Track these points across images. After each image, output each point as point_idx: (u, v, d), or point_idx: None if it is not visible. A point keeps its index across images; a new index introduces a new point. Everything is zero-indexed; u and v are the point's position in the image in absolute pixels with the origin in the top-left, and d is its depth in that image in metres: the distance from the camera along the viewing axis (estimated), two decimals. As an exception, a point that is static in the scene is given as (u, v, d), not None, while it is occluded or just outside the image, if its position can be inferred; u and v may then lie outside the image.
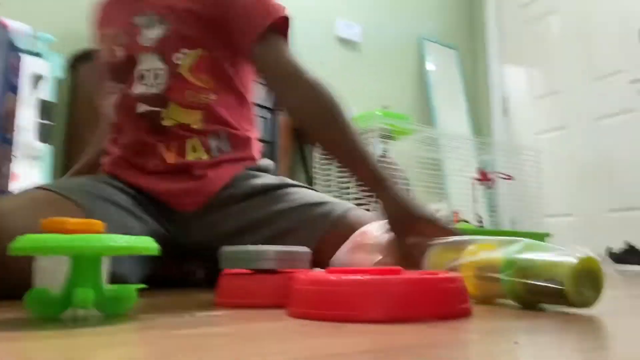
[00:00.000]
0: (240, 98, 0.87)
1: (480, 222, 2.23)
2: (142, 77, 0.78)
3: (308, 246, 0.74)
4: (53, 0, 1.91)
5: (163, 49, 0.78)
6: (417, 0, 3.13)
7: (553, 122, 2.77)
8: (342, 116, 0.76)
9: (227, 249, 0.51)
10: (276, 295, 0.47)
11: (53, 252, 0.35)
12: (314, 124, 0.78)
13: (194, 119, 0.79)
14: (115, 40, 0.82)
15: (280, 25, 0.79)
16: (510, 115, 3.03)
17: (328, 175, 2.04)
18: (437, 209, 2.02)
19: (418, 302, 0.38)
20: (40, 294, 0.38)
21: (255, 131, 0.92)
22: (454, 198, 2.42)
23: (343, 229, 0.75)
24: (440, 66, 3.05)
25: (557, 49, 2.80)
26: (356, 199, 1.83)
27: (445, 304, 0.39)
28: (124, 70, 0.80)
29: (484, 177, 2.17)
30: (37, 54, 1.61)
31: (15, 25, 1.60)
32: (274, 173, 0.91)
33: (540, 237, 1.98)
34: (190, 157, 0.80)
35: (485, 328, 0.38)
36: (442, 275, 0.42)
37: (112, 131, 0.85)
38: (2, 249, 0.40)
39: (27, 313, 0.39)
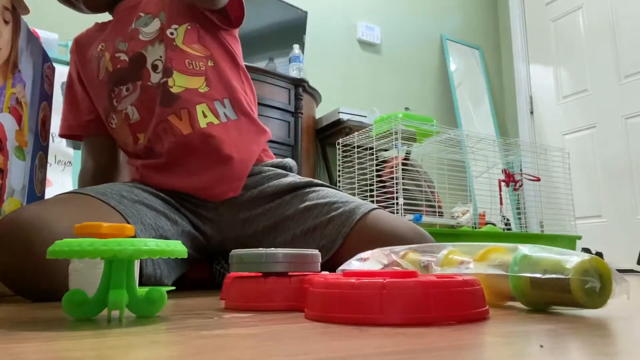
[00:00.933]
0: (235, 64, 0.92)
1: (508, 224, 2.19)
2: (156, 67, 0.85)
3: (335, 243, 0.76)
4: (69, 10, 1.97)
5: (162, 35, 0.86)
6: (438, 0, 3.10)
7: (581, 121, 2.70)
8: None
9: (237, 252, 0.51)
10: (288, 299, 0.47)
11: (89, 255, 0.37)
12: None
13: (199, 84, 0.86)
14: (115, 49, 0.87)
15: None
16: (536, 115, 2.97)
17: (351, 176, 2.04)
18: (463, 211, 1.99)
19: (436, 305, 0.37)
20: (76, 296, 0.39)
21: (255, 105, 0.96)
22: (480, 200, 2.38)
23: (367, 227, 0.76)
24: (463, 66, 3.02)
25: (584, 47, 2.73)
26: (379, 200, 1.83)
27: (463, 307, 0.39)
28: (134, 69, 0.86)
29: (510, 179, 2.13)
30: (66, 63, 1.67)
31: (44, 34, 1.66)
32: (298, 173, 0.94)
33: (571, 240, 1.93)
34: (202, 123, 0.83)
35: (506, 331, 0.38)
36: (460, 278, 0.42)
37: (136, 143, 0.88)
38: (45, 253, 0.41)
39: (64, 314, 0.40)
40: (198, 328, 0.38)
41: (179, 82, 0.84)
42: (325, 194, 0.84)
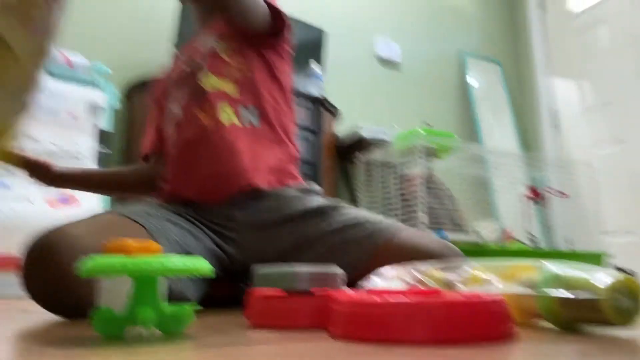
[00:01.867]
0: (273, 77, 0.95)
1: (534, 241, 2.14)
2: (198, 66, 0.92)
3: (360, 263, 0.76)
4: (107, 32, 2.05)
5: (212, 47, 0.93)
6: (457, 16, 3.11)
7: (607, 134, 2.64)
8: None
9: (261, 269, 0.51)
10: (312, 317, 0.47)
11: (118, 273, 0.38)
12: None
13: (229, 88, 0.90)
14: (180, 62, 0.99)
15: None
16: (560, 129, 2.92)
17: (372, 194, 2.03)
18: (487, 227, 1.96)
19: (463, 325, 0.37)
20: (105, 313, 0.40)
21: (291, 123, 0.98)
22: (504, 216, 2.34)
23: (394, 246, 0.75)
24: (484, 81, 3.00)
25: (607, 59, 2.69)
26: (401, 218, 1.81)
27: (491, 327, 0.38)
28: (187, 73, 0.94)
29: (536, 194, 2.09)
30: (93, 84, 1.73)
31: (72, 56, 1.72)
32: (323, 197, 0.95)
33: (598, 257, 1.87)
34: (224, 118, 0.87)
35: (536, 351, 0.37)
36: (486, 297, 0.41)
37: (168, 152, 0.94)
38: (75, 271, 0.43)
39: (92, 331, 0.41)
40: (224, 346, 0.38)
41: (211, 82, 0.89)
42: (350, 213, 0.84)
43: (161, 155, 0.99)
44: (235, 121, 0.88)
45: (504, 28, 3.25)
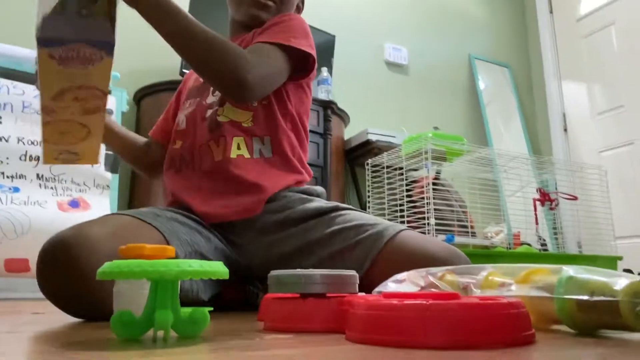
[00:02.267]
0: (285, 110, 0.94)
1: (544, 244, 2.13)
2: (214, 90, 0.93)
3: (363, 266, 0.75)
4: (118, 37, 2.06)
5: None
6: (466, 19, 3.11)
7: (618, 138, 2.62)
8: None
9: (275, 272, 0.51)
10: (327, 320, 0.47)
11: (136, 276, 0.38)
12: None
13: (245, 118, 0.90)
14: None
15: (289, 52, 0.88)
16: (570, 132, 2.90)
17: (381, 197, 2.03)
18: (497, 231, 1.94)
19: (482, 328, 0.37)
20: (124, 316, 0.40)
21: (304, 152, 0.98)
22: (514, 220, 2.32)
23: (397, 248, 0.75)
24: (493, 85, 2.99)
25: (618, 63, 2.68)
26: (410, 221, 1.81)
27: (509, 330, 0.38)
28: (203, 88, 0.95)
29: (546, 198, 2.07)
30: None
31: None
32: (326, 199, 0.95)
33: (611, 260, 1.85)
34: (234, 154, 0.87)
35: (557, 356, 0.37)
36: (505, 300, 0.41)
37: (173, 143, 0.96)
38: (94, 274, 0.43)
39: (110, 334, 0.41)
40: (243, 349, 0.38)
41: (227, 113, 0.89)
42: (352, 217, 0.83)
43: (163, 146, 1.03)
44: (245, 154, 0.88)
45: (513, 31, 3.24)
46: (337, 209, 0.86)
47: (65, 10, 0.57)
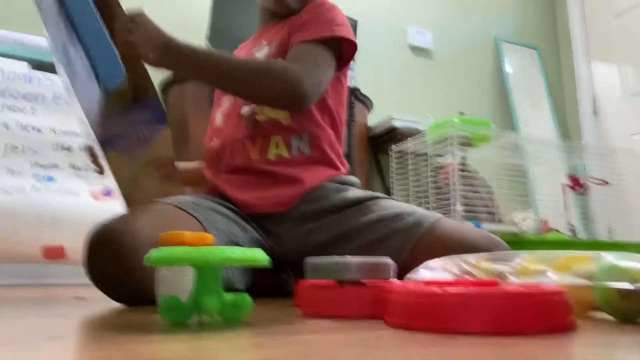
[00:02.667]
0: (324, 103, 0.92)
1: (573, 231, 2.09)
2: None
3: (401, 255, 0.76)
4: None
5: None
6: (491, 1, 3.03)
7: (651, 120, 2.54)
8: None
9: (312, 259, 0.52)
10: (365, 306, 0.48)
11: (183, 263, 0.39)
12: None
13: (283, 116, 0.89)
14: None
15: (333, 43, 0.87)
16: (601, 115, 2.82)
17: (405, 185, 2.02)
18: (524, 217, 1.92)
19: (524, 315, 0.37)
20: (172, 301, 0.42)
21: (340, 145, 0.97)
22: (542, 206, 2.29)
23: (436, 237, 0.75)
24: (520, 68, 2.92)
25: (653, 42, 2.58)
26: (435, 207, 1.80)
27: (551, 317, 0.38)
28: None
29: (576, 183, 2.03)
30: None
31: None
32: (360, 188, 0.95)
33: (644, 247, 1.81)
34: (271, 155, 0.87)
35: (599, 342, 0.37)
36: (546, 287, 0.41)
37: (210, 141, 0.97)
38: (139, 261, 0.45)
39: (156, 318, 0.43)
40: (289, 333, 0.39)
41: (265, 111, 0.89)
42: (389, 205, 0.84)
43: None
44: (283, 152, 0.88)
45: (540, 12, 3.15)
46: (374, 197, 0.87)
47: (108, 109, 0.60)
